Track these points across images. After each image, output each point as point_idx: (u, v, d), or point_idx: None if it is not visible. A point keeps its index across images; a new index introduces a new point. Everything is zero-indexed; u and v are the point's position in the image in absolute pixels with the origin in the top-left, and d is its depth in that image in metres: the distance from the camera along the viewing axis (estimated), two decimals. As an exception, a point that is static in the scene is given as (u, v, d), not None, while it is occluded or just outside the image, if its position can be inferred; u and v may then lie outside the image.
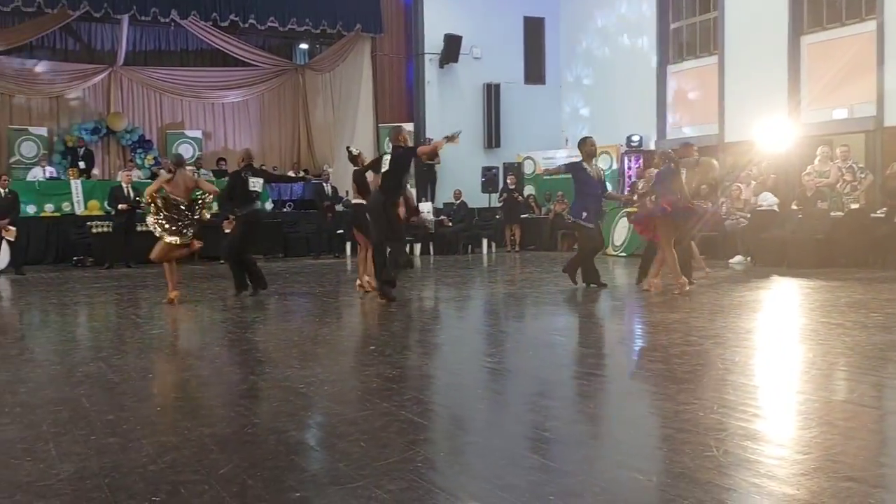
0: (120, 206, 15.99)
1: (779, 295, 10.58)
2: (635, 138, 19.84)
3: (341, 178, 20.30)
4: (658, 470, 3.69)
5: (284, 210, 19.74)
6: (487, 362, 6.38)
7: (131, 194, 16.22)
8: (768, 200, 14.96)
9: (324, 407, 4.94)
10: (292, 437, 4.28)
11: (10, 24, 20.41)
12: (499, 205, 20.34)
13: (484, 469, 3.74)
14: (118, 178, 17.50)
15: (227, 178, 11.25)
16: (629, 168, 19.86)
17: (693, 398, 4.89)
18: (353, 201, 11.40)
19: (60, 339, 8.14)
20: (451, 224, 19.72)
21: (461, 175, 20.69)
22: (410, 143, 11.26)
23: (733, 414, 4.47)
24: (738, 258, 14.62)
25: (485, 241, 19.88)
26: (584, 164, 10.93)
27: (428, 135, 21.43)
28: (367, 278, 10.77)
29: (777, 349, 6.86)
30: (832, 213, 13.83)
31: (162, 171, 19.47)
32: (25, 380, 5.75)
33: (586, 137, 11.38)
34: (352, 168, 11.35)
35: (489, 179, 20.74)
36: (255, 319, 8.95)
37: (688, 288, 10.07)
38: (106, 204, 16.79)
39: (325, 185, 19.08)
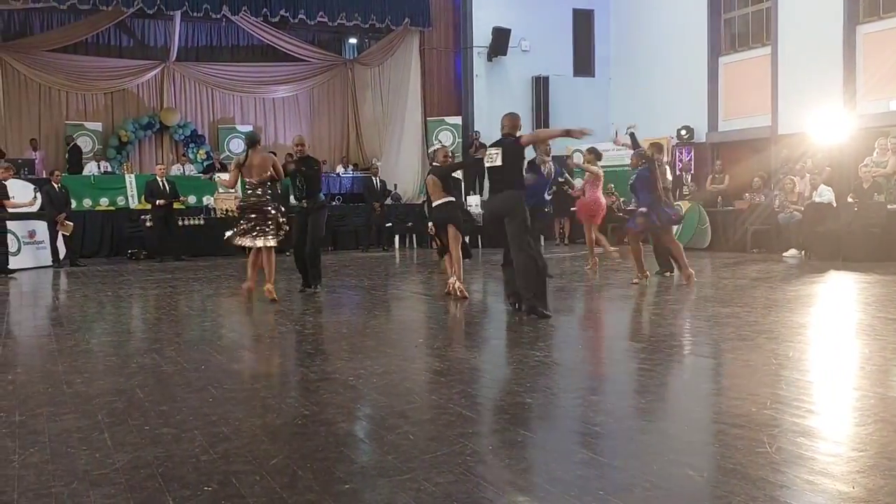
0: (158, 201, 16.22)
1: (834, 289, 10.40)
2: (685, 131, 19.62)
3: (390, 172, 20.43)
4: (710, 466, 3.64)
5: (333, 203, 19.89)
6: (536, 356, 6.35)
7: (166, 188, 16.45)
8: (826, 196, 14.65)
9: (373, 399, 4.96)
10: (342, 428, 4.31)
11: (66, 21, 20.81)
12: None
13: (533, 463, 3.73)
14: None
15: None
16: (679, 161, 19.66)
17: (746, 393, 4.83)
18: (442, 201, 9.78)
19: (115, 330, 8.27)
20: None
21: (510, 168, 20.61)
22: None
23: (787, 410, 4.40)
24: (792, 252, 14.41)
25: (534, 235, 19.81)
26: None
27: (476, 128, 21.41)
28: (458, 283, 9.68)
29: (832, 344, 6.74)
30: (889, 206, 13.54)
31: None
32: (82, 371, 5.86)
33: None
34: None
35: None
36: (305, 312, 9.02)
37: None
38: (142, 198, 17.06)
39: (373, 178, 19.18)
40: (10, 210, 13.70)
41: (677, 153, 19.79)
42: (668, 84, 20.57)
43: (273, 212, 9.59)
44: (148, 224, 16.64)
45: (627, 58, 22.28)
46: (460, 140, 21.26)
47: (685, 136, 19.64)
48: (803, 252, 14.34)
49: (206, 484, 3.45)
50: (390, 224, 18.95)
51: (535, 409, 4.77)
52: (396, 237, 19.04)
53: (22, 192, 14.28)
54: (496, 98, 21.77)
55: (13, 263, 13.83)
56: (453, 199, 9.87)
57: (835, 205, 14.52)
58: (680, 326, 8.00)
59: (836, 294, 10.07)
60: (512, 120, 8.44)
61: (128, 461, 3.76)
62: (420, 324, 8.37)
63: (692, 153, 19.78)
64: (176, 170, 19.86)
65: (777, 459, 3.60)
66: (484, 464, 3.68)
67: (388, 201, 19.37)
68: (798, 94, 17.14)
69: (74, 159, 19.86)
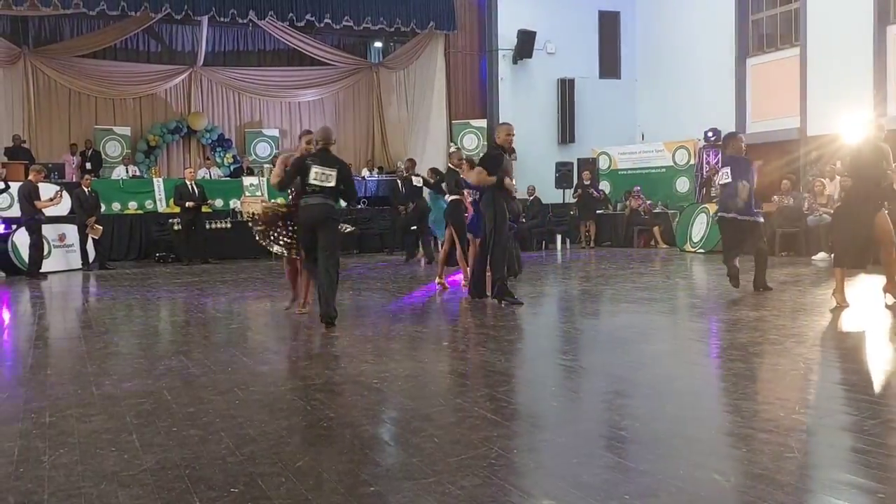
0: (187, 204, 16.32)
1: (863, 293, 10.28)
2: (713, 133, 19.49)
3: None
4: (737, 471, 3.62)
5: (358, 207, 19.91)
6: (562, 359, 6.34)
7: (195, 191, 16.55)
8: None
9: (398, 402, 4.97)
10: (367, 431, 4.32)
11: (95, 27, 21.04)
12: (573, 200, 20.19)
13: (558, 467, 3.72)
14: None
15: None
16: (707, 163, 19.53)
17: (774, 398, 4.79)
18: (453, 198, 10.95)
19: (143, 333, 8.34)
20: (524, 220, 19.64)
21: (535, 171, 20.57)
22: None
23: (815, 414, 4.36)
24: (821, 255, 14.26)
25: (559, 238, 19.77)
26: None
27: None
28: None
29: (861, 348, 6.67)
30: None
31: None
32: (110, 373, 5.92)
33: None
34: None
35: (563, 175, 20.59)
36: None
37: None
38: (172, 201, 17.17)
39: (398, 181, 19.19)
40: (45, 213, 14.01)
41: (704, 155, 19.66)
42: (695, 86, 20.43)
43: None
44: (176, 227, 16.76)
45: (654, 60, 22.16)
46: (485, 143, 21.24)
47: (713, 139, 19.50)
48: (832, 255, 14.19)
49: (233, 485, 3.47)
50: (415, 227, 18.94)
51: (561, 412, 4.75)
52: (421, 241, 19.03)
53: (47, 195, 14.41)
54: (521, 101, 21.74)
55: (43, 266, 14.02)
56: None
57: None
58: (707, 330, 7.96)
59: (864, 297, 9.96)
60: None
61: (155, 462, 3.79)
62: (445, 327, 8.37)
63: (720, 155, 19.61)
64: (202, 173, 19.98)
65: (805, 464, 3.57)
66: (509, 467, 3.68)
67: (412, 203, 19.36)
68: (827, 95, 16.96)
69: (95, 164, 19.86)
